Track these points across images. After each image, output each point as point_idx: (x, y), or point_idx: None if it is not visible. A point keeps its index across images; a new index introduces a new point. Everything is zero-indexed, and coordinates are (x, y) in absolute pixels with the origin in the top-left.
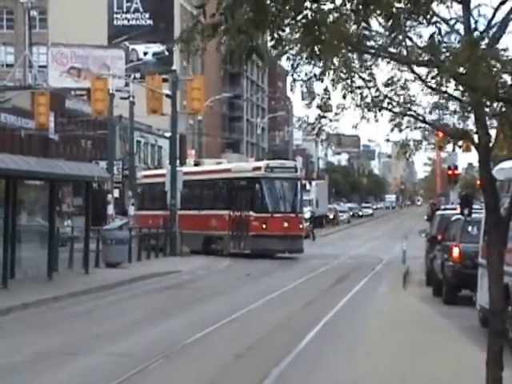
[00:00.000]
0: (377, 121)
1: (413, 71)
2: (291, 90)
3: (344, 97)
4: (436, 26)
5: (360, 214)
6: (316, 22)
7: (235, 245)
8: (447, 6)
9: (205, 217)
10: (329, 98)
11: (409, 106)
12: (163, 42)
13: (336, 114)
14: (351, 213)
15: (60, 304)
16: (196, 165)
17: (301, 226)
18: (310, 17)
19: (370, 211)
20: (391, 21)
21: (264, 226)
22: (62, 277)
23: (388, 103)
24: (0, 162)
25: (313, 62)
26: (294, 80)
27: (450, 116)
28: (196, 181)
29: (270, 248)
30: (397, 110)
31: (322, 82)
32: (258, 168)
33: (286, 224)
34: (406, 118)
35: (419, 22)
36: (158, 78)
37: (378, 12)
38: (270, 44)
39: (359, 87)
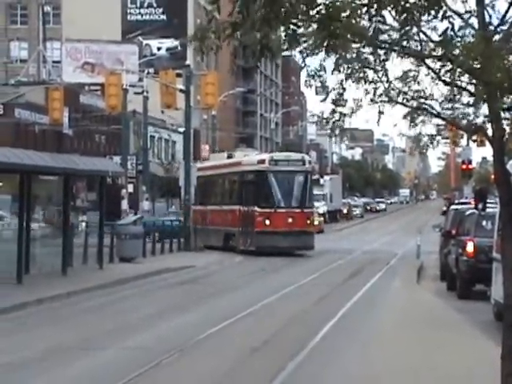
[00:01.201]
0: (382, 113)
1: (426, 65)
2: (305, 84)
3: (358, 89)
4: (449, 21)
5: (373, 208)
6: (330, 16)
7: (244, 241)
8: (463, 1)
9: (222, 212)
10: (343, 93)
11: (423, 100)
12: (177, 37)
13: (353, 111)
14: (364, 207)
15: (74, 299)
16: (229, 157)
17: (308, 222)
18: (323, 11)
19: (384, 206)
20: (404, 15)
21: (268, 222)
22: (76, 272)
23: (403, 98)
24: (14, 157)
25: (327, 56)
26: (309, 74)
27: (464, 110)
28: (215, 175)
29: (275, 245)
30: (411, 104)
31: (339, 72)
32: (263, 161)
33: (290, 220)
34: (420, 113)
35: (433, 16)
36: (172, 72)
37: (391, 6)
38: (283, 40)
39: (372, 81)
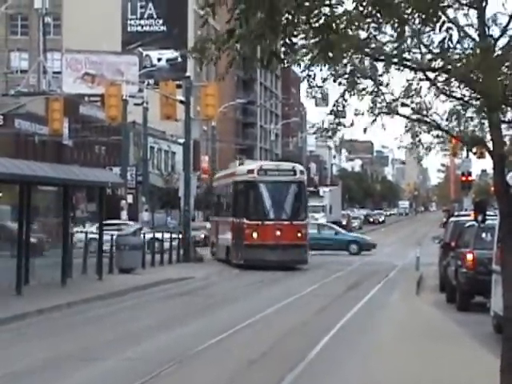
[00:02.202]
0: (384, 128)
1: (427, 77)
2: (306, 95)
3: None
4: (447, 31)
5: (375, 220)
6: (328, 26)
7: (236, 255)
8: (465, 14)
9: (222, 224)
10: (344, 105)
11: (424, 112)
12: (177, 48)
13: (352, 123)
14: (363, 219)
15: (74, 310)
16: (240, 165)
17: (299, 235)
18: (323, 21)
19: (382, 218)
20: (400, 26)
21: (255, 235)
22: (75, 283)
23: (403, 110)
24: (14, 167)
25: (325, 66)
26: (310, 85)
27: (464, 123)
28: (221, 186)
29: (263, 259)
30: (411, 116)
31: (339, 84)
32: (252, 171)
33: (278, 232)
34: (421, 125)
35: (431, 28)
36: (172, 84)
37: (388, 18)
38: (282, 50)
39: (371, 92)
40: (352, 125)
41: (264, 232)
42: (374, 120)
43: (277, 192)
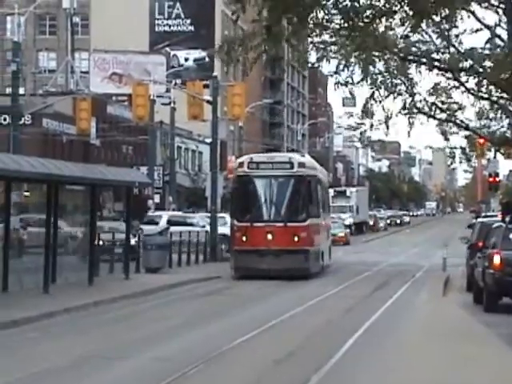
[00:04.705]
0: (411, 127)
1: (456, 78)
2: (335, 88)
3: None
4: (476, 32)
5: (401, 221)
6: (359, 29)
7: (231, 261)
8: (496, 11)
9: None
10: (372, 104)
11: (453, 112)
12: (204, 48)
13: (385, 121)
14: (387, 222)
15: (100, 309)
16: None
17: (295, 239)
18: (350, 23)
19: (407, 219)
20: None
21: (244, 239)
22: (102, 282)
23: (433, 109)
24: (42, 166)
25: (357, 66)
26: (338, 83)
27: (493, 123)
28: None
29: (253, 267)
30: (440, 116)
31: (369, 84)
32: (241, 164)
33: (269, 236)
34: (450, 125)
35: (455, 25)
36: (199, 83)
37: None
38: (312, 51)
39: (401, 93)
40: (373, 126)
41: (254, 235)
42: (411, 123)
43: (269, 188)
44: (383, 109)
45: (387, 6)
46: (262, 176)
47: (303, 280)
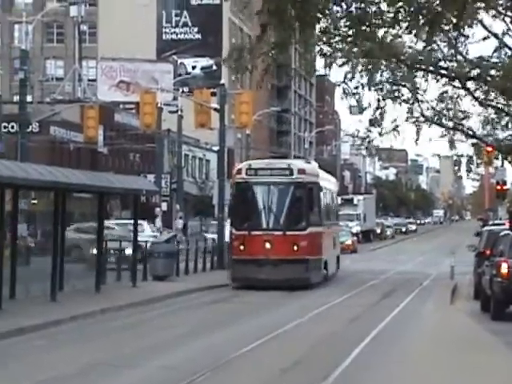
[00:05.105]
0: (418, 135)
1: (463, 86)
2: (342, 98)
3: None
4: (484, 40)
5: (403, 230)
6: (367, 37)
7: (229, 271)
8: (503, 20)
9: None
10: (381, 112)
11: (460, 121)
12: (211, 56)
13: (394, 128)
14: (394, 230)
15: (107, 316)
16: None
17: (295, 248)
18: (358, 32)
19: (414, 227)
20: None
21: (242, 248)
22: (109, 290)
23: (439, 118)
24: (49, 174)
25: (363, 73)
26: (344, 91)
27: (500, 131)
28: None
29: (251, 277)
30: (447, 124)
31: (376, 91)
32: (240, 170)
33: (268, 245)
34: (456, 133)
35: (464, 34)
36: (207, 91)
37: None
38: (319, 57)
39: (406, 101)
40: (381, 135)
41: (251, 244)
42: (418, 131)
43: (268, 196)
44: (390, 118)
45: (395, 15)
46: (260, 183)
47: (308, 289)
